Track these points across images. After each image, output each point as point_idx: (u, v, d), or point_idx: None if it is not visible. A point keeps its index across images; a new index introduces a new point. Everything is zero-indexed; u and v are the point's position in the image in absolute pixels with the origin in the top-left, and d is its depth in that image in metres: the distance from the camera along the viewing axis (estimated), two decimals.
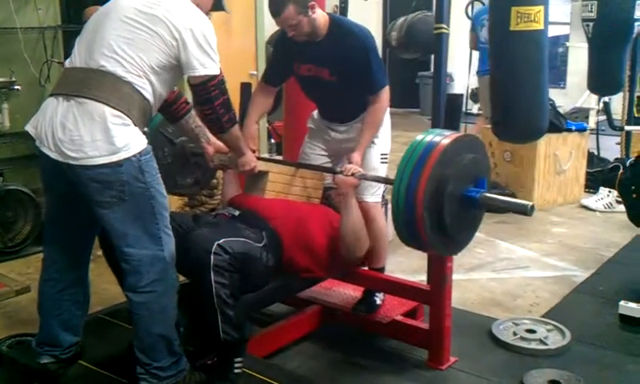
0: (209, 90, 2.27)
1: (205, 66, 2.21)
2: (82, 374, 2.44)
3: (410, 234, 2.30)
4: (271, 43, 6.39)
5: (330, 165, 3.04)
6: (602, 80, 5.84)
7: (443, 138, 2.29)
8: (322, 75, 2.87)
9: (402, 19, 6.01)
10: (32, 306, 2.74)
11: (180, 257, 2.27)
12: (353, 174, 2.67)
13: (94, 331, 2.59)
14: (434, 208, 2.22)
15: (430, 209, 2.20)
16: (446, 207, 2.23)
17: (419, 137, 2.33)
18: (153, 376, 2.23)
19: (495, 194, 2.54)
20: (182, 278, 2.35)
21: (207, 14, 2.36)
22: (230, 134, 2.47)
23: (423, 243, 2.32)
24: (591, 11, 5.63)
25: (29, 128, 2.21)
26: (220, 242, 2.28)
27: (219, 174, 3.75)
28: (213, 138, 2.72)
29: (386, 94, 2.89)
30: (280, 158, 3.19)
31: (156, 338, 2.22)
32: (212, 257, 2.25)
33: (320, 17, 2.79)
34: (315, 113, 3.14)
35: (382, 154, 2.96)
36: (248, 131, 2.95)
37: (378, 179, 2.81)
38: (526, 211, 2.31)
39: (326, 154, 3.10)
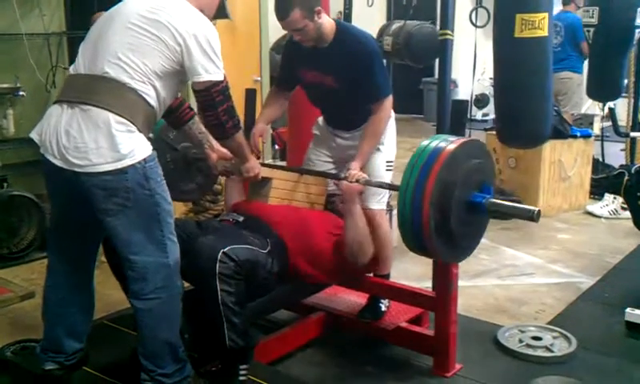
0: (212, 96, 2.25)
1: (208, 71, 2.20)
2: (86, 381, 2.44)
3: (415, 240, 2.29)
4: (275, 50, 6.41)
5: (335, 171, 3.03)
6: (601, 86, 5.83)
7: (449, 143, 2.29)
8: (327, 82, 2.87)
9: (396, 25, 5.94)
10: (36, 311, 2.74)
11: (185, 264, 2.26)
12: (357, 181, 2.66)
13: (98, 337, 2.58)
14: (439, 214, 2.21)
15: (435, 215, 2.19)
16: (451, 213, 2.22)
17: (424, 142, 2.32)
18: (157, 383, 2.22)
19: (502, 199, 2.52)
20: (186, 285, 2.34)
21: (211, 20, 2.35)
22: (234, 140, 2.45)
23: (429, 249, 2.31)
24: (592, 17, 5.63)
25: (33, 135, 2.21)
26: (225, 249, 2.27)
27: (222, 179, 3.74)
28: (216, 145, 2.70)
29: (388, 103, 2.86)
30: (284, 164, 3.17)
31: (161, 344, 2.21)
32: (217, 265, 2.24)
33: (326, 23, 2.79)
34: (320, 119, 3.13)
35: (387, 162, 2.95)
36: (256, 130, 2.95)
37: (382, 185, 2.79)
38: (532, 217, 2.28)
39: (331, 160, 3.09)
